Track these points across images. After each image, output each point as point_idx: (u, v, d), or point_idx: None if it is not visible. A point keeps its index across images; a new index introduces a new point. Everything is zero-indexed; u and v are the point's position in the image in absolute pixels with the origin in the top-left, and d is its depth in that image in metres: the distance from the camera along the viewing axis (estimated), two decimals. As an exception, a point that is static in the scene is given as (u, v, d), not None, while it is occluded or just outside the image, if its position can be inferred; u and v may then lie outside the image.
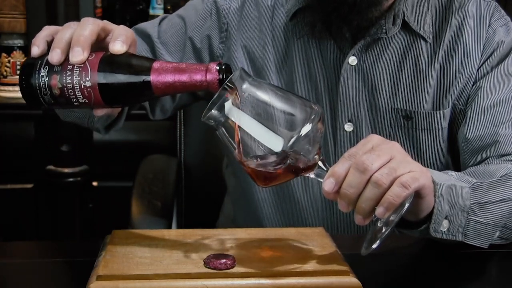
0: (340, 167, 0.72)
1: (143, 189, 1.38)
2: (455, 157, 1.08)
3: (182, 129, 1.46)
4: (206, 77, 0.71)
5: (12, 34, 2.09)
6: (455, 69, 1.04)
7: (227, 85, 0.69)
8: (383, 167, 0.72)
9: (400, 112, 1.04)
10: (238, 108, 0.70)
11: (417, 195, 0.76)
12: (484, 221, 0.86)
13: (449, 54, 1.04)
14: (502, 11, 1.08)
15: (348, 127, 1.04)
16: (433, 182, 0.80)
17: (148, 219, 1.29)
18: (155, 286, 0.68)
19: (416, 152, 1.05)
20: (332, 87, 1.05)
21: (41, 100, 0.75)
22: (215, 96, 0.69)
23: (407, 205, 0.72)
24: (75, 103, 0.74)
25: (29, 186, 2.11)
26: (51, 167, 2.07)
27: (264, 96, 0.71)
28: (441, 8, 1.06)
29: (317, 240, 0.80)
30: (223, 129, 0.71)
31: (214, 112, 0.70)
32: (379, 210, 0.71)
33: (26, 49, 2.08)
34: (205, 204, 1.43)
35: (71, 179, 2.07)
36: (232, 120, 0.70)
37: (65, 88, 0.73)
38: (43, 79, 0.74)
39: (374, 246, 0.72)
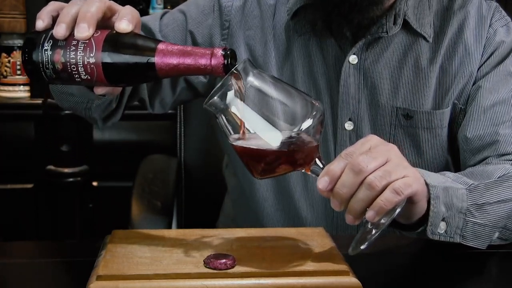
0: (335, 166, 0.73)
1: (143, 189, 1.37)
2: (455, 157, 1.08)
3: (182, 129, 1.46)
4: (211, 61, 0.70)
5: (12, 34, 2.09)
6: (456, 69, 1.04)
7: (232, 74, 0.69)
8: (378, 169, 0.72)
9: (400, 111, 1.04)
10: (240, 99, 0.70)
11: (410, 201, 0.76)
12: (482, 222, 0.85)
13: (449, 54, 1.04)
14: (503, 12, 1.08)
15: (349, 125, 1.04)
16: (427, 185, 0.80)
17: (148, 219, 1.29)
18: (155, 286, 0.68)
19: (416, 151, 1.05)
20: (332, 86, 1.05)
21: (42, 74, 0.75)
22: (219, 84, 0.69)
23: (398, 209, 0.72)
24: (77, 79, 0.74)
25: (29, 186, 2.11)
26: (51, 167, 2.07)
27: (267, 89, 0.71)
28: (442, 8, 1.06)
29: (317, 240, 0.80)
30: (223, 116, 0.71)
31: (216, 99, 0.70)
32: (369, 214, 0.72)
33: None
34: (205, 204, 1.43)
35: (71, 179, 2.07)
36: (232, 110, 0.70)
37: (68, 63, 0.73)
38: (46, 52, 0.74)
39: (362, 247, 0.72)
